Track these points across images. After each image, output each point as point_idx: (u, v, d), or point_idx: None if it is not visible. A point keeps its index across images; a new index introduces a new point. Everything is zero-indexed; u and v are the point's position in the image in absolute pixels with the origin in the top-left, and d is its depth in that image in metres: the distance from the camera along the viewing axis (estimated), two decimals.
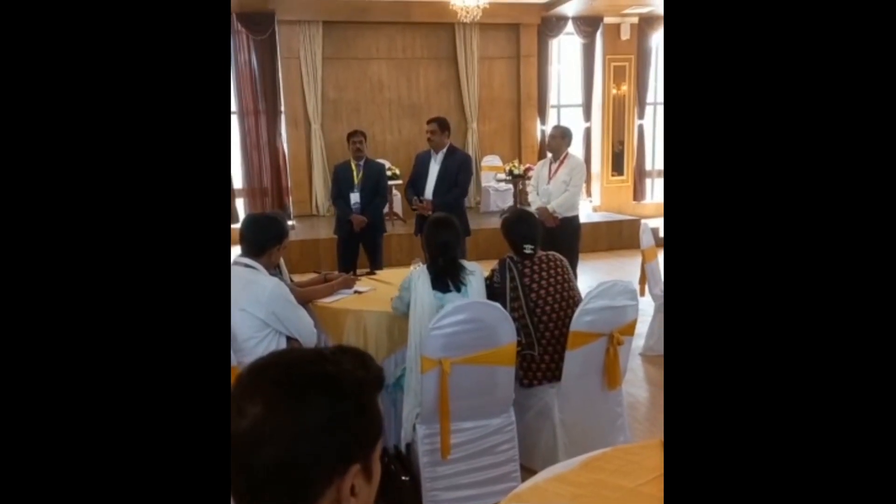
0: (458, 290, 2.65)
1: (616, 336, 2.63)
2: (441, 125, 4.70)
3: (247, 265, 2.46)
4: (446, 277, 2.65)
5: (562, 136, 4.84)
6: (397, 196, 8.11)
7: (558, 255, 2.86)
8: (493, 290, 2.78)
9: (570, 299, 2.78)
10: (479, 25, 9.03)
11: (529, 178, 8.98)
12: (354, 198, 4.98)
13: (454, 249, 2.69)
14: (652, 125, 10.78)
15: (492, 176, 9.07)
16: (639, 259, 4.44)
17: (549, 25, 9.79)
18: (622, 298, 2.64)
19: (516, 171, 8.16)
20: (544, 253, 2.84)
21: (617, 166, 10.50)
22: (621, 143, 10.58)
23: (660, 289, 4.22)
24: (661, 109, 10.85)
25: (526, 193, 9.19)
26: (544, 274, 2.76)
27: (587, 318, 2.57)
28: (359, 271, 4.01)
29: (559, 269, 2.80)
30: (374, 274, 3.70)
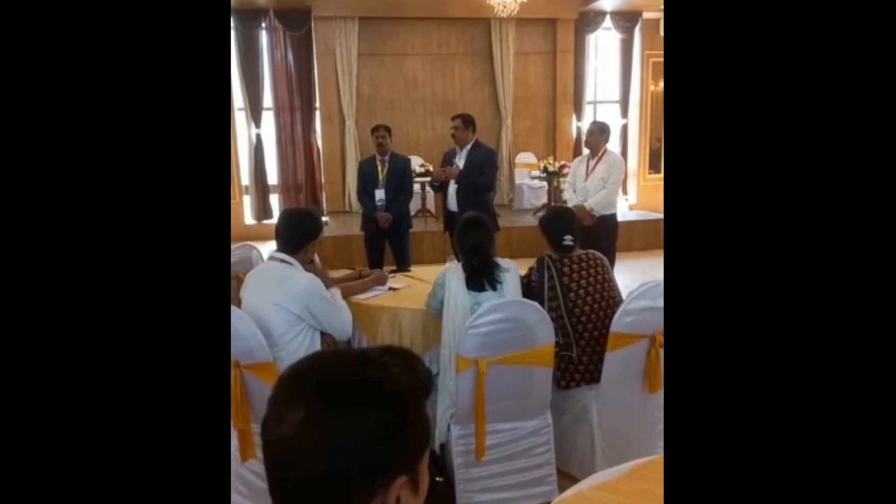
0: (494, 288, 2.59)
1: (658, 338, 2.55)
2: (465, 121, 4.67)
3: (282, 261, 2.45)
4: (481, 276, 2.59)
5: (600, 131, 4.74)
6: (430, 193, 8.06)
7: (598, 254, 2.78)
8: (531, 288, 2.72)
9: (611, 299, 2.70)
10: (516, 21, 8.92)
11: (565, 176, 8.90)
12: (379, 194, 4.91)
13: (487, 248, 2.63)
14: None
15: (526, 173, 8.97)
16: None
17: (587, 20, 9.64)
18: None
19: (551, 169, 8.05)
20: (584, 252, 2.77)
21: (654, 164, 10.29)
22: (659, 140, 10.37)
23: None
24: None
25: (560, 191, 9.11)
26: (584, 273, 2.68)
27: (628, 318, 2.49)
28: (386, 268, 3.98)
29: (599, 269, 2.72)
30: (408, 271, 3.65)
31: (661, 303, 2.54)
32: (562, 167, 8.10)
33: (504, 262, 2.64)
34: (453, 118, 4.63)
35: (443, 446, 2.56)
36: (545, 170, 8.12)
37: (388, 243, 5.01)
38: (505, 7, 7.00)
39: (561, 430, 2.67)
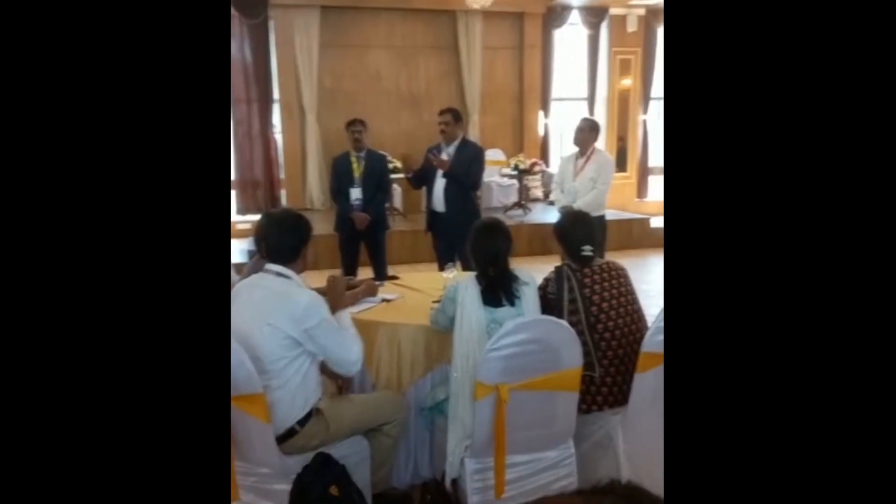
0: (512, 303, 2.31)
1: None
2: (455, 116, 4.37)
3: (278, 273, 2.10)
4: (498, 290, 2.31)
5: (590, 129, 4.52)
6: (397, 190, 7.75)
7: (619, 264, 2.54)
8: (548, 301, 2.44)
9: (635, 313, 2.46)
10: (482, 14, 8.69)
11: (536, 174, 8.72)
12: (355, 193, 4.61)
13: (506, 258, 2.35)
14: (657, 121, 10.52)
15: (495, 171, 8.72)
16: (656, 260, 4.15)
17: (554, 15, 9.47)
18: None
19: (522, 166, 7.84)
20: (605, 261, 2.51)
21: (620, 163, 10.18)
22: (622, 139, 10.30)
23: None
24: None
25: (528, 189, 8.92)
26: (606, 285, 2.43)
27: (660, 337, 2.25)
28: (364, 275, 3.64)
29: (622, 280, 2.48)
30: (396, 278, 3.34)
31: None
32: (533, 165, 7.90)
33: (523, 275, 2.36)
34: (441, 112, 4.33)
35: (455, 482, 2.27)
36: (516, 167, 7.91)
37: (363, 244, 4.69)
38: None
39: (580, 458, 2.41)
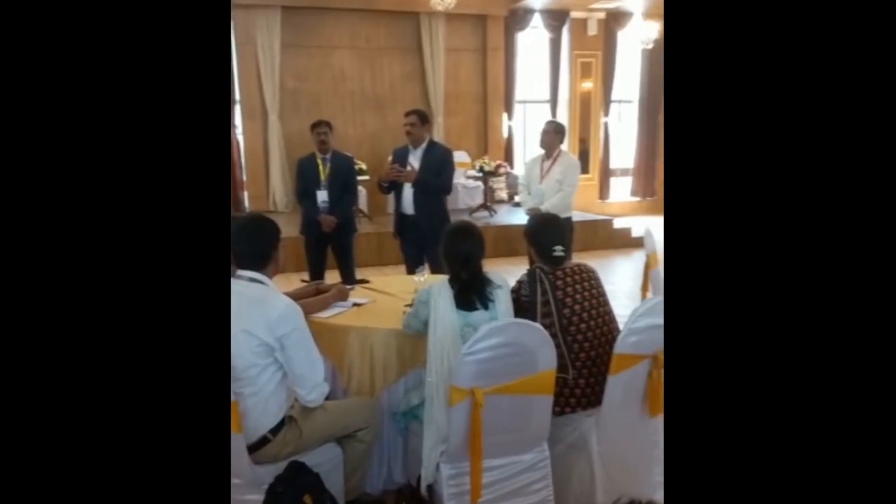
0: (486, 307, 2.31)
1: (660, 357, 2.34)
2: (421, 118, 4.28)
3: (252, 279, 2.05)
4: (471, 294, 2.30)
5: (555, 131, 4.56)
6: (363, 192, 7.69)
7: (590, 266, 2.56)
8: (520, 304, 2.45)
9: (607, 315, 2.48)
10: (445, 16, 8.69)
11: (501, 175, 8.76)
12: (322, 195, 4.55)
13: (479, 261, 2.35)
14: (617, 123, 10.66)
15: (461, 172, 8.72)
16: (620, 261, 4.20)
17: (517, 18, 9.53)
18: None
19: (487, 168, 7.86)
20: (575, 263, 2.53)
21: (582, 165, 10.21)
22: (584, 141, 10.42)
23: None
24: (625, 107, 10.76)
25: (494, 191, 8.95)
26: (578, 287, 2.44)
27: (633, 338, 2.27)
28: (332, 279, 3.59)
29: (593, 282, 2.49)
30: (366, 282, 3.31)
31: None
32: (498, 167, 7.93)
33: (496, 278, 2.36)
34: (407, 114, 4.26)
35: (430, 487, 2.25)
36: (481, 169, 7.93)
37: (331, 248, 4.64)
38: (443, 1, 6.72)
39: (554, 460, 2.41)
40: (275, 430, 2.08)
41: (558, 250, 2.46)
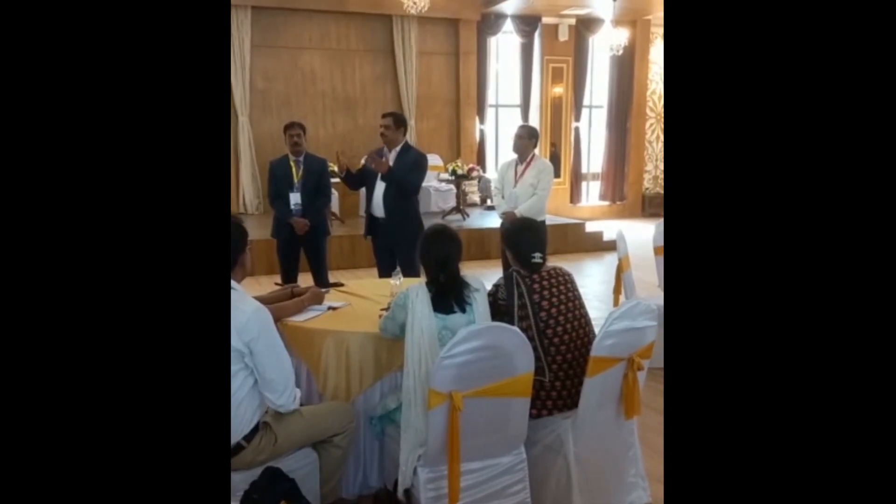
0: (463, 310, 2.30)
1: (636, 360, 2.37)
2: (397, 120, 4.24)
3: None
4: (449, 297, 2.30)
5: (528, 135, 4.58)
6: (335, 194, 7.63)
7: (565, 270, 2.57)
8: (497, 307, 2.45)
9: (583, 318, 2.50)
10: (418, 19, 8.68)
11: (473, 179, 8.77)
12: (294, 198, 4.51)
13: (456, 264, 2.34)
14: (588, 128, 10.77)
15: (433, 176, 8.72)
16: (591, 264, 4.24)
17: (489, 23, 9.57)
18: (643, 319, 2.37)
19: (460, 172, 7.87)
20: (551, 266, 2.54)
21: (553, 168, 10.40)
22: (554, 145, 10.51)
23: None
24: (596, 112, 10.87)
25: (466, 194, 8.96)
26: (554, 290, 2.45)
27: (609, 341, 2.29)
28: (301, 283, 3.54)
29: (569, 285, 2.51)
30: (341, 285, 3.28)
31: (640, 323, 2.36)
32: (470, 170, 7.94)
33: (474, 281, 2.35)
34: (383, 116, 4.24)
35: (408, 492, 2.24)
36: (453, 172, 7.93)
37: (303, 251, 4.59)
38: (415, 3, 6.72)
39: (531, 463, 2.42)
40: (249, 437, 2.05)
41: (537, 257, 2.47)
